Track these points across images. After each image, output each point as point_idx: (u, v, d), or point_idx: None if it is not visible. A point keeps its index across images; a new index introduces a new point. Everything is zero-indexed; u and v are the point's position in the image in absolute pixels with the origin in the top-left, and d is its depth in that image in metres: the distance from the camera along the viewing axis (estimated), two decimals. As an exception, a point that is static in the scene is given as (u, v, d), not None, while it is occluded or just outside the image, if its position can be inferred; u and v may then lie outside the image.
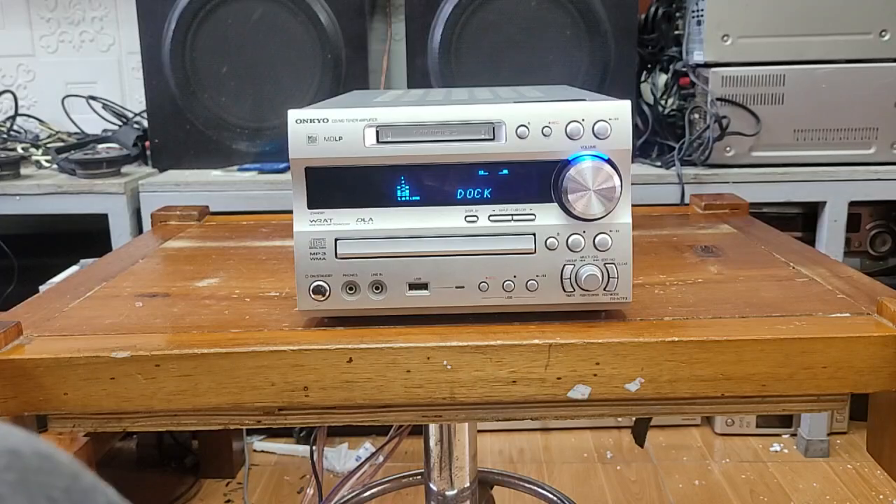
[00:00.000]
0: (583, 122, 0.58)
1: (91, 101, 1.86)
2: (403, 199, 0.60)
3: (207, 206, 1.06)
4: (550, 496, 1.08)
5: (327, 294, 0.60)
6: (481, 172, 0.59)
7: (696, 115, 1.59)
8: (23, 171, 1.61)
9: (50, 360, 0.58)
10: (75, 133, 1.87)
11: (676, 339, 0.58)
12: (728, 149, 1.53)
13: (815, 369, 0.58)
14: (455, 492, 0.94)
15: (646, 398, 0.59)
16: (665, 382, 0.58)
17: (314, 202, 0.60)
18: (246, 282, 0.75)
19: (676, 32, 1.67)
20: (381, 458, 1.07)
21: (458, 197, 0.60)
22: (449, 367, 0.58)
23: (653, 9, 1.67)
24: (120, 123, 1.81)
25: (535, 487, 1.10)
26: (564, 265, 0.60)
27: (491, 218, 0.60)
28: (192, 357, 0.57)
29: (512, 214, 0.60)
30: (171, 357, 0.57)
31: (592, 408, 0.60)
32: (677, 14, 1.66)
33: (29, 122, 1.90)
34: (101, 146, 1.69)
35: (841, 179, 1.52)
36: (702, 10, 1.52)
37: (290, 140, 0.58)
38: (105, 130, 1.82)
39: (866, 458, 1.65)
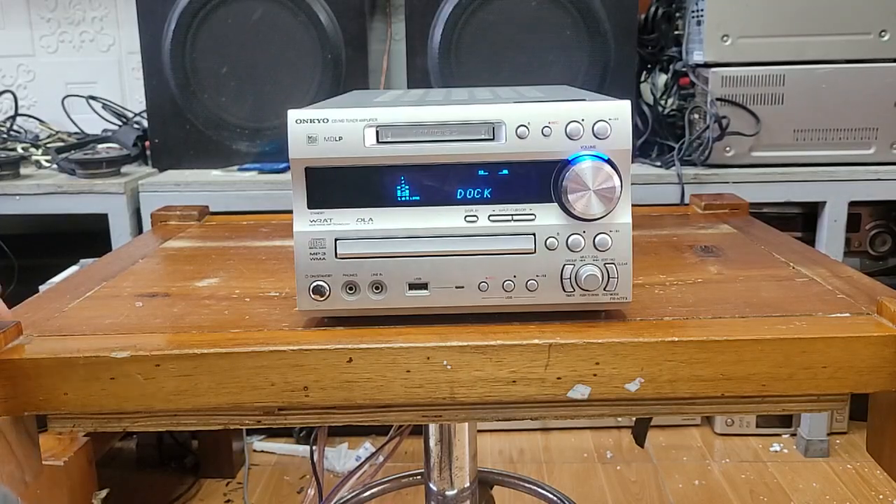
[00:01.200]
0: (582, 122, 0.58)
1: (91, 101, 1.86)
2: (403, 199, 0.60)
3: (207, 206, 1.06)
4: (550, 496, 1.08)
5: (327, 294, 0.60)
6: (481, 172, 0.59)
7: (696, 115, 1.59)
8: (23, 171, 1.61)
9: (50, 360, 0.57)
10: (75, 133, 1.87)
11: (676, 339, 0.57)
12: (728, 149, 1.53)
13: (814, 369, 0.58)
14: (455, 492, 0.94)
15: (646, 398, 0.59)
16: (665, 382, 0.58)
17: (314, 202, 0.60)
18: (246, 282, 0.75)
19: (676, 32, 1.67)
20: (380, 458, 1.07)
21: (458, 197, 0.60)
22: (449, 367, 0.58)
23: (653, 9, 1.67)
24: (120, 123, 1.81)
25: (535, 487, 1.10)
26: (564, 265, 0.60)
27: (491, 218, 0.60)
28: (191, 357, 0.57)
29: (512, 214, 0.60)
30: (170, 357, 0.57)
31: (592, 408, 0.60)
32: (677, 14, 1.66)
33: (29, 122, 1.90)
34: (101, 146, 1.69)
35: (841, 179, 1.52)
36: (702, 10, 1.52)
37: (290, 140, 0.58)
38: (105, 130, 1.82)
39: (866, 458, 1.65)
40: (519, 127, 0.58)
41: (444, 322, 0.61)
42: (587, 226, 0.59)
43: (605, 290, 0.60)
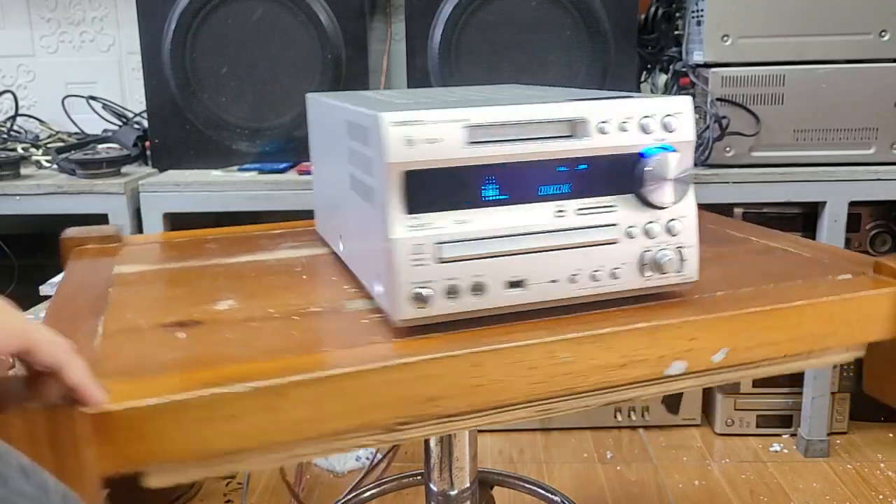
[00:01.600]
0: (654, 118, 0.62)
1: (91, 101, 1.86)
2: (494, 198, 0.60)
3: (119, 227, 0.95)
4: (550, 496, 1.09)
5: (429, 300, 0.58)
6: (564, 168, 0.61)
7: (696, 116, 1.59)
8: (23, 171, 1.61)
9: (156, 407, 0.50)
10: (75, 133, 1.87)
11: (752, 310, 0.63)
12: (728, 149, 1.53)
13: (852, 323, 0.67)
14: (455, 492, 0.94)
15: (726, 366, 0.63)
16: (743, 350, 0.63)
17: (413, 207, 0.58)
18: (267, 300, 0.71)
19: (676, 32, 1.67)
20: (379, 459, 1.07)
21: (545, 193, 0.61)
22: (570, 359, 0.58)
23: (653, 9, 1.67)
24: (120, 123, 1.81)
25: (535, 487, 1.11)
26: (643, 252, 0.63)
27: (577, 212, 0.62)
28: (316, 382, 0.53)
29: (596, 207, 0.62)
30: (294, 385, 0.53)
31: (685, 381, 0.64)
32: (677, 14, 1.66)
33: (29, 122, 1.90)
34: (101, 146, 1.69)
35: (841, 179, 1.52)
36: (702, 10, 1.52)
37: (385, 144, 0.56)
38: (105, 130, 1.82)
39: (866, 458, 1.65)
40: (601, 123, 0.60)
41: (536, 317, 0.61)
42: (661, 213, 0.63)
43: (676, 272, 0.64)
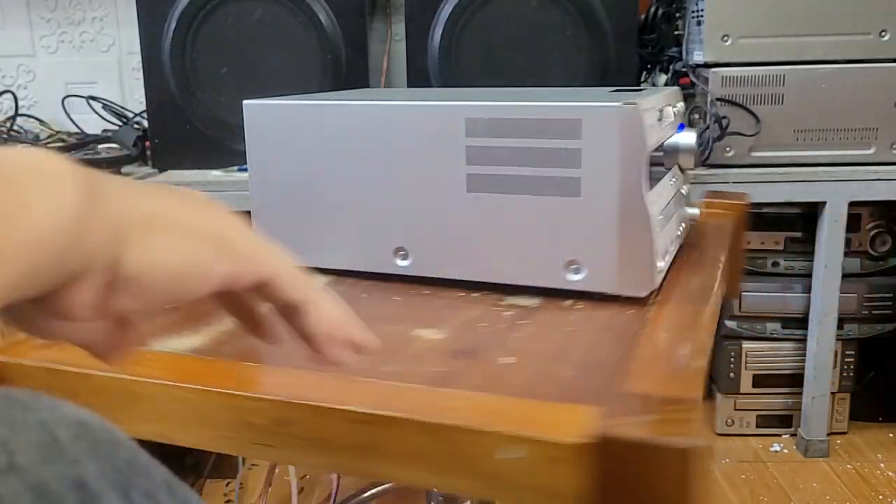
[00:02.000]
0: (679, 103, 0.79)
1: (91, 102, 1.86)
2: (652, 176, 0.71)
3: None
4: (550, 496, 1.08)
5: (661, 267, 0.68)
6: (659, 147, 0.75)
7: (696, 116, 1.59)
8: (23, 171, 1.61)
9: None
10: (75, 133, 1.87)
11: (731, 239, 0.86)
12: (728, 149, 1.53)
13: (725, 238, 0.86)
14: (455, 492, 0.94)
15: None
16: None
17: (651, 185, 0.67)
18: (435, 323, 0.63)
19: (676, 32, 1.67)
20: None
21: (657, 169, 0.72)
22: (716, 289, 0.71)
23: (653, 9, 1.67)
24: (120, 123, 1.81)
25: (535, 487, 1.10)
26: (685, 208, 0.80)
27: (673, 183, 0.77)
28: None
29: (676, 177, 0.77)
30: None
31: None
32: (677, 14, 1.66)
33: (29, 122, 1.90)
34: (101, 146, 1.69)
35: (841, 179, 1.52)
36: (702, 10, 1.52)
37: (645, 130, 0.64)
38: (105, 131, 1.82)
39: (866, 458, 1.65)
40: (670, 108, 0.75)
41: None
42: (685, 176, 0.81)
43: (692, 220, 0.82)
